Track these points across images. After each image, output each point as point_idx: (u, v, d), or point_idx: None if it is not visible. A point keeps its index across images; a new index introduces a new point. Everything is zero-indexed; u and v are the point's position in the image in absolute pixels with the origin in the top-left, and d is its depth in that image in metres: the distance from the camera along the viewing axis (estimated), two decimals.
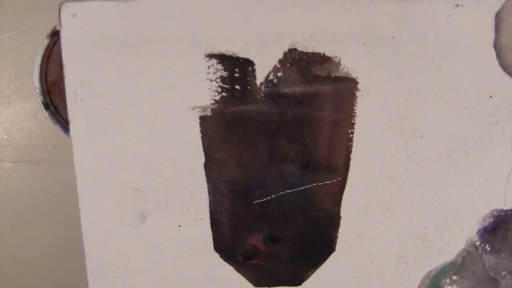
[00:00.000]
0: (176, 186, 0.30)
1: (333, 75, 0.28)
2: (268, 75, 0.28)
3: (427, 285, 0.32)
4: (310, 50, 0.28)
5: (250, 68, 0.28)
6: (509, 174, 0.30)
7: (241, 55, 0.28)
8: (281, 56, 0.28)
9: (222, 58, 0.28)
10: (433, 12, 0.28)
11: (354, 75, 0.28)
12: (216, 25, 0.27)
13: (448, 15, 0.27)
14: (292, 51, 0.28)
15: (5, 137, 0.50)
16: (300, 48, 0.28)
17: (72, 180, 0.48)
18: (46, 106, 0.40)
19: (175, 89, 0.28)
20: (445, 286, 0.32)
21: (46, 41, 0.38)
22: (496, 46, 0.28)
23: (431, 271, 0.32)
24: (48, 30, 0.38)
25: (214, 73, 0.28)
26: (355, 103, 0.29)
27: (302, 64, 0.28)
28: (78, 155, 0.29)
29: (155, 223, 0.30)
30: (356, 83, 0.28)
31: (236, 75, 0.28)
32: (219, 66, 0.28)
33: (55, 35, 0.38)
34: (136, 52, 0.28)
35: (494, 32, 0.28)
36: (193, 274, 0.31)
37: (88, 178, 0.29)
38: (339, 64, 0.28)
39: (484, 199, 0.30)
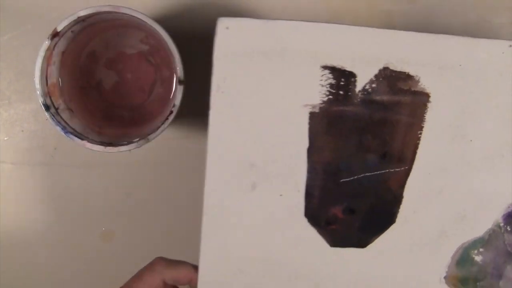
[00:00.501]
0: (284, 164, 0.39)
1: (412, 89, 0.38)
2: (365, 86, 0.37)
3: (460, 254, 0.42)
4: (398, 69, 0.37)
5: (352, 79, 0.37)
6: None
7: (348, 69, 0.37)
8: (376, 72, 0.37)
9: (333, 70, 0.37)
10: (491, 47, 0.37)
11: (428, 91, 0.38)
12: (332, 45, 0.36)
13: (503, 52, 0.37)
14: (385, 69, 0.37)
15: (5, 138, 0.50)
16: (391, 67, 0.37)
17: (72, 181, 0.50)
18: (47, 107, 0.40)
19: (295, 90, 0.37)
20: (474, 256, 0.42)
21: (46, 43, 0.38)
22: None
23: (464, 243, 0.41)
24: (49, 31, 0.38)
25: (325, 80, 0.37)
26: (426, 112, 0.38)
27: (391, 79, 0.37)
28: (213, 135, 0.37)
29: (263, 192, 0.39)
30: (429, 96, 0.38)
31: (341, 83, 0.37)
32: (330, 75, 0.37)
33: (55, 36, 0.38)
34: (269, 60, 0.36)
35: None
36: (285, 233, 0.40)
37: (218, 152, 0.38)
38: (418, 81, 0.37)
39: (508, 193, 0.40)
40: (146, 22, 0.38)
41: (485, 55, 0.37)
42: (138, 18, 0.38)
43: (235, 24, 0.36)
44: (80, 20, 0.38)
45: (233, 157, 0.38)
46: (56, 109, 0.41)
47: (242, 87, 0.37)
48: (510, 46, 0.37)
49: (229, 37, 0.36)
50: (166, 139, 0.50)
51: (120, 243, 0.52)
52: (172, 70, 0.46)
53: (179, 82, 0.40)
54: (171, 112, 0.40)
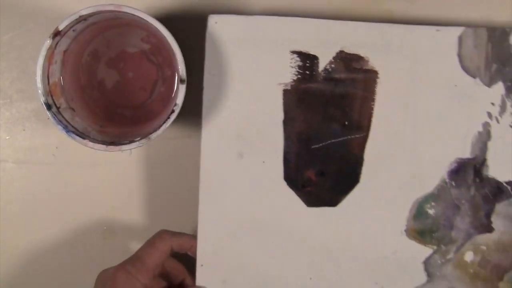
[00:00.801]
0: (264, 135, 0.47)
1: (364, 68, 0.47)
2: (326, 66, 0.47)
3: (416, 208, 0.50)
4: (352, 52, 0.47)
5: (315, 61, 0.46)
6: (465, 135, 0.49)
7: (311, 53, 0.46)
8: (334, 54, 0.47)
9: (300, 54, 0.46)
10: (423, 32, 0.47)
11: (376, 69, 0.47)
12: (299, 34, 0.46)
13: (432, 36, 0.47)
14: (341, 52, 0.47)
15: (7, 137, 0.50)
16: (346, 50, 0.47)
17: (74, 180, 0.50)
18: (48, 106, 0.39)
19: (270, 71, 0.46)
20: (427, 209, 0.50)
21: (48, 42, 0.38)
22: (459, 55, 0.47)
23: (418, 198, 0.50)
24: (50, 31, 0.38)
25: (294, 62, 0.46)
26: (376, 87, 0.47)
27: (346, 60, 0.47)
28: (206, 111, 0.46)
29: (249, 159, 0.47)
30: (377, 73, 0.47)
31: (307, 65, 0.46)
32: (298, 59, 0.46)
33: (57, 35, 0.38)
34: (249, 47, 0.45)
35: (457, 47, 0.47)
36: (269, 196, 0.48)
37: (210, 126, 0.46)
38: (368, 61, 0.47)
39: (452, 151, 0.49)
40: (148, 21, 0.38)
41: (419, 39, 0.47)
42: (139, 17, 0.38)
43: (222, 20, 0.45)
44: (82, 19, 0.39)
45: (222, 129, 0.47)
46: (58, 108, 0.41)
47: (228, 71, 0.46)
48: (437, 30, 0.47)
49: (218, 30, 0.45)
50: (168, 138, 0.50)
51: (122, 242, 0.51)
52: (173, 69, 0.46)
53: (181, 81, 0.40)
54: (173, 111, 0.39)
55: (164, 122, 0.39)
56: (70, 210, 0.51)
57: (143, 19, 0.38)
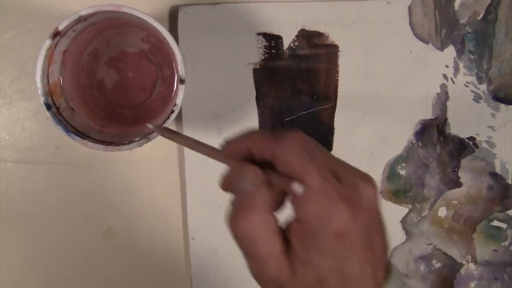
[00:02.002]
0: (241, 112, 0.51)
1: (325, 43, 0.51)
2: (290, 44, 0.51)
3: (388, 170, 0.53)
4: (312, 29, 0.51)
5: (280, 41, 0.51)
6: (426, 97, 0.53)
7: (275, 33, 0.51)
8: (296, 33, 0.51)
9: (265, 35, 0.51)
10: (376, 6, 0.52)
11: (336, 43, 0.52)
12: (262, 17, 0.50)
13: (384, 8, 0.51)
14: (302, 30, 0.51)
15: (6, 137, 0.49)
16: (306, 28, 0.51)
17: (73, 180, 0.50)
18: (48, 106, 0.39)
19: (240, 53, 0.50)
20: (399, 170, 0.54)
21: (48, 42, 0.38)
22: (410, 24, 0.52)
23: (389, 161, 0.53)
24: (50, 31, 0.38)
25: (261, 43, 0.51)
26: (338, 59, 0.52)
27: (308, 37, 0.51)
28: (184, 94, 0.50)
29: (227, 134, 0.51)
30: (338, 47, 0.52)
31: (272, 44, 0.51)
32: (263, 39, 0.51)
33: (57, 35, 0.38)
34: (218, 32, 0.50)
35: (408, 16, 0.52)
36: None
37: (189, 106, 0.50)
38: (328, 36, 0.51)
39: (415, 113, 0.53)
40: (148, 21, 0.38)
41: (372, 12, 0.51)
42: (139, 17, 0.38)
43: (190, 9, 0.50)
44: (82, 19, 0.38)
45: (201, 109, 0.51)
46: (58, 108, 0.40)
47: (200, 55, 0.50)
48: (388, 3, 0.51)
49: (187, 18, 0.50)
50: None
51: (121, 241, 0.51)
52: (173, 69, 0.46)
53: (181, 81, 0.40)
54: (173, 111, 0.39)
55: (163, 122, 0.39)
56: (70, 210, 0.51)
57: (142, 19, 0.38)
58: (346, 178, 0.30)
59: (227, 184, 0.33)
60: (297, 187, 0.29)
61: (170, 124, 0.40)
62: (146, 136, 0.40)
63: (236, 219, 0.30)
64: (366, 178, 0.30)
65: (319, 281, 0.29)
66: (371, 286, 0.30)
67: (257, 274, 0.30)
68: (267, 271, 0.29)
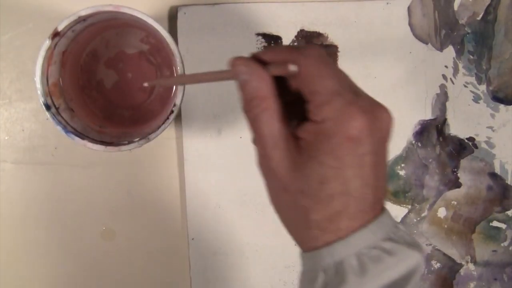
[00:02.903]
0: (240, 112, 0.51)
1: (324, 43, 0.52)
2: (289, 44, 0.51)
3: (388, 171, 0.54)
4: (311, 30, 0.51)
5: (279, 41, 0.51)
6: (425, 98, 0.53)
7: (275, 33, 0.51)
8: (296, 33, 0.51)
9: (264, 35, 0.51)
10: (375, 6, 0.52)
11: (336, 43, 0.52)
12: (261, 17, 0.51)
13: (383, 9, 0.52)
14: (301, 30, 0.51)
15: (6, 138, 0.49)
16: (306, 29, 0.51)
17: (73, 180, 0.50)
18: (47, 107, 0.39)
19: (239, 53, 0.50)
20: (398, 171, 0.54)
21: (47, 42, 0.38)
22: (410, 24, 0.52)
23: (389, 161, 0.54)
24: (50, 31, 0.38)
25: (260, 43, 0.51)
26: (338, 59, 0.52)
27: (307, 37, 0.51)
28: (183, 95, 0.50)
29: (227, 135, 0.51)
30: (337, 47, 0.52)
31: (272, 44, 0.51)
32: (262, 40, 0.51)
33: (56, 36, 0.38)
34: (217, 32, 0.50)
35: (408, 17, 0.52)
36: (248, 167, 0.52)
37: (189, 108, 0.50)
38: (327, 37, 0.51)
39: (414, 114, 0.53)
40: (147, 22, 0.38)
41: (371, 13, 0.51)
42: (138, 17, 0.38)
43: (190, 10, 0.50)
44: (81, 19, 0.39)
45: (200, 110, 0.51)
46: (57, 108, 0.40)
47: (200, 55, 0.50)
48: (387, 3, 0.51)
49: (187, 19, 0.50)
50: (167, 138, 0.51)
51: (121, 241, 0.51)
52: (172, 70, 0.45)
53: None
54: (172, 111, 0.39)
55: (163, 123, 0.39)
56: (69, 210, 0.51)
57: (142, 19, 0.38)
58: (365, 98, 0.30)
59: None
60: (292, 67, 0.29)
61: (170, 125, 0.40)
62: (145, 137, 0.40)
63: (248, 108, 0.30)
64: (385, 107, 0.30)
65: (320, 181, 0.28)
66: (367, 211, 0.29)
67: (258, 156, 0.31)
68: (271, 157, 0.30)
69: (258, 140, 0.30)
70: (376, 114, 0.29)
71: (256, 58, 0.31)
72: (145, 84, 0.39)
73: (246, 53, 0.50)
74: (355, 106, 0.28)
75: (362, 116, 0.28)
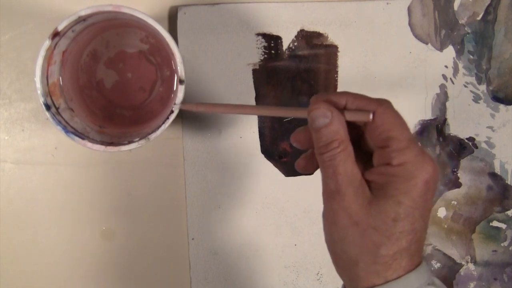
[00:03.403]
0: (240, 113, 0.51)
1: (324, 43, 0.51)
2: (289, 44, 0.51)
3: None
4: (311, 30, 0.51)
5: (279, 41, 0.51)
6: (425, 98, 0.53)
7: (274, 34, 0.51)
8: (296, 33, 0.51)
9: (264, 35, 0.51)
10: (375, 6, 0.52)
11: (336, 43, 0.52)
12: (261, 17, 0.51)
13: (383, 9, 0.52)
14: (301, 30, 0.51)
15: (6, 138, 0.49)
16: (306, 29, 0.51)
17: (73, 180, 0.50)
18: (47, 107, 0.39)
19: (239, 53, 0.50)
20: None
21: (47, 42, 0.38)
22: (409, 24, 0.52)
23: None
24: (50, 31, 0.38)
25: (260, 44, 0.51)
26: (337, 59, 0.52)
27: (307, 38, 0.51)
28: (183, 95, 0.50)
29: (227, 135, 0.51)
30: (337, 47, 0.52)
31: (272, 45, 0.51)
32: (263, 40, 0.51)
33: (56, 36, 0.38)
34: (217, 33, 0.50)
35: (408, 17, 0.52)
36: (248, 167, 0.52)
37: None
38: (327, 37, 0.51)
39: (414, 113, 0.53)
40: (147, 22, 0.38)
41: (372, 13, 0.51)
42: (138, 17, 0.38)
43: (190, 10, 0.50)
44: (81, 19, 0.39)
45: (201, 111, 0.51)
46: (57, 108, 0.40)
47: (200, 55, 0.50)
48: (387, 4, 0.51)
49: (186, 19, 0.50)
50: (167, 138, 0.51)
51: (121, 242, 0.51)
52: (172, 70, 0.46)
53: (180, 81, 0.40)
54: (172, 111, 0.39)
55: (163, 123, 0.39)
56: (69, 210, 0.51)
57: (142, 19, 0.38)
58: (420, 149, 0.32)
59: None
60: (371, 115, 0.32)
61: (170, 125, 0.40)
62: (145, 137, 0.39)
63: (324, 150, 0.33)
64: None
65: (394, 219, 0.31)
66: (419, 253, 0.32)
67: (329, 192, 0.33)
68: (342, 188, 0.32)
69: (333, 179, 0.32)
70: (433, 165, 0.32)
71: (332, 101, 0.33)
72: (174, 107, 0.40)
73: (246, 53, 0.50)
74: (427, 154, 0.31)
75: (434, 163, 0.31)
